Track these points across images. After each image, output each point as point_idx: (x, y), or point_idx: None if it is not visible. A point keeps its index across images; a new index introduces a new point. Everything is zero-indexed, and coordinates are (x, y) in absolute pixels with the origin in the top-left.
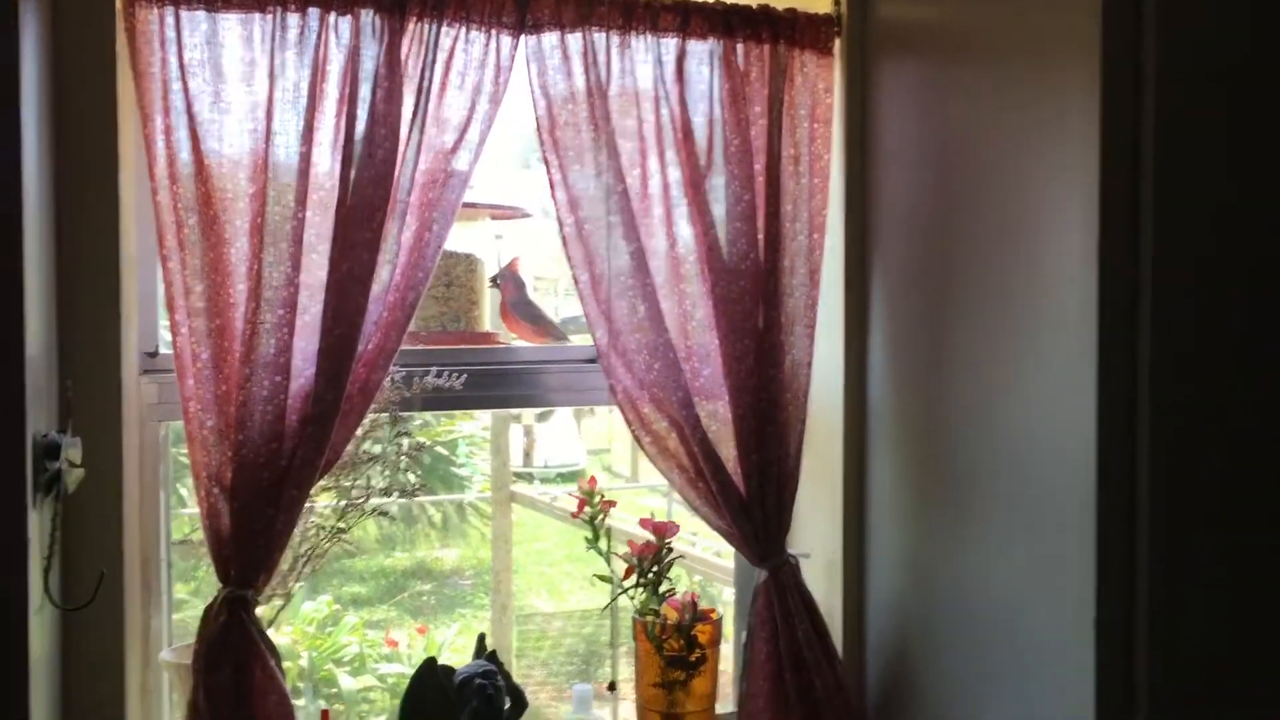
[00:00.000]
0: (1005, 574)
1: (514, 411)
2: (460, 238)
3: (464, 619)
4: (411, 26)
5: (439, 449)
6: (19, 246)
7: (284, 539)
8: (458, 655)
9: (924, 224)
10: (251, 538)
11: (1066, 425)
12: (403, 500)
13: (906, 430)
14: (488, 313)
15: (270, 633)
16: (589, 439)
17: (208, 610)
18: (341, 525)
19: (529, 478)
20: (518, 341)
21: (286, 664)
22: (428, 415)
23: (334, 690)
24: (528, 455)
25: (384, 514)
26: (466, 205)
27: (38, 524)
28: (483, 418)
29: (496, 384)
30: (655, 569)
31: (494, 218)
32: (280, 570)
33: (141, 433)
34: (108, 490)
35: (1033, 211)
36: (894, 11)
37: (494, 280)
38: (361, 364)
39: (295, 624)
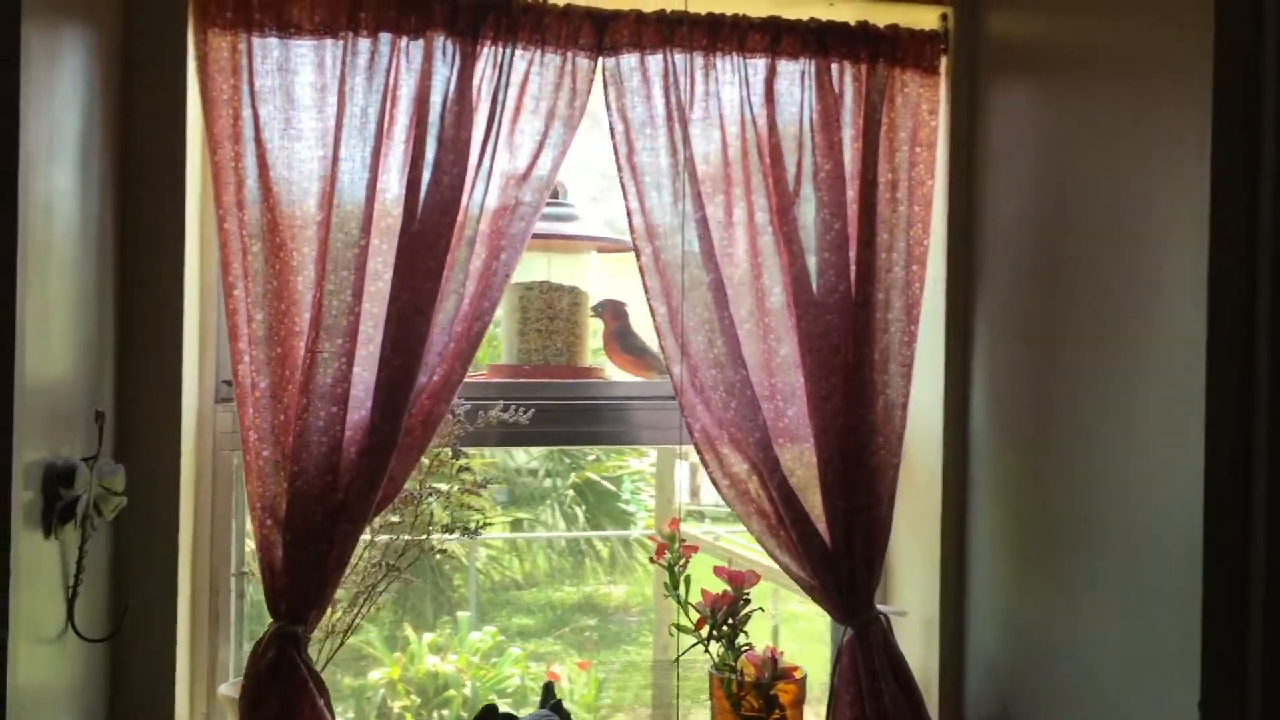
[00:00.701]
0: (1109, 641)
1: (679, 448)
2: (567, 271)
3: (628, 655)
4: (485, 50)
5: (606, 484)
6: (13, 274)
7: (337, 575)
8: (616, 693)
9: (1032, 256)
10: (303, 572)
11: (1175, 480)
12: (465, 538)
13: (1010, 479)
14: (590, 347)
15: (435, 661)
16: None
17: (257, 645)
18: (397, 565)
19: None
20: (624, 376)
21: (450, 692)
22: (599, 450)
23: None
24: (694, 494)
25: (442, 551)
26: (572, 238)
27: (57, 553)
28: (651, 454)
29: (576, 420)
30: (730, 621)
31: (601, 250)
32: (340, 605)
33: (215, 460)
34: (164, 519)
35: (1145, 244)
36: (1006, 27)
37: (595, 310)
38: (425, 395)
39: (461, 653)
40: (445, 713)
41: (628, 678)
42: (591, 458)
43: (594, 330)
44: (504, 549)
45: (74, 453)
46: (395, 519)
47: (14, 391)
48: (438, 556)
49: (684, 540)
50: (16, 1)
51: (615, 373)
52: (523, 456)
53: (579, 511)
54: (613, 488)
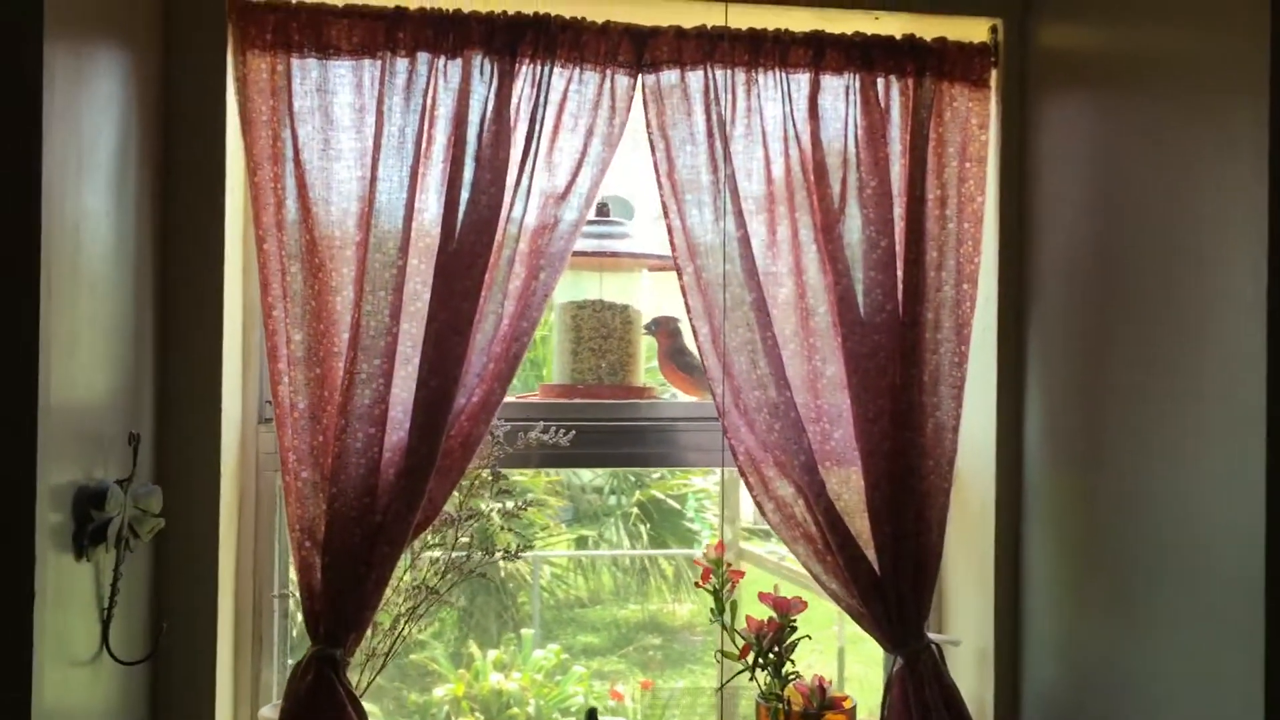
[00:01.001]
0: (1170, 669)
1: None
2: (618, 289)
3: (692, 675)
4: (523, 69)
5: (670, 502)
6: (35, 294)
7: (376, 597)
8: (680, 714)
9: (1088, 274)
10: (342, 594)
11: (1236, 501)
12: (506, 559)
13: (1066, 503)
14: (643, 366)
15: (499, 678)
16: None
17: (296, 668)
18: (437, 588)
19: (764, 534)
20: (680, 394)
21: (514, 710)
22: (663, 470)
23: None
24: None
25: (482, 575)
26: (623, 256)
27: (91, 575)
28: (715, 472)
29: (621, 442)
30: (777, 649)
31: (652, 269)
32: (381, 628)
33: (258, 481)
34: (203, 541)
35: (1202, 259)
36: (1057, 39)
37: (649, 328)
38: (464, 417)
39: (525, 671)
40: None
41: (694, 699)
42: (656, 475)
43: (647, 348)
44: (568, 566)
45: (108, 474)
46: (435, 540)
47: (37, 413)
48: (485, 578)
49: (730, 565)
50: (39, 23)
51: (668, 390)
52: (587, 474)
53: (643, 529)
54: (677, 505)
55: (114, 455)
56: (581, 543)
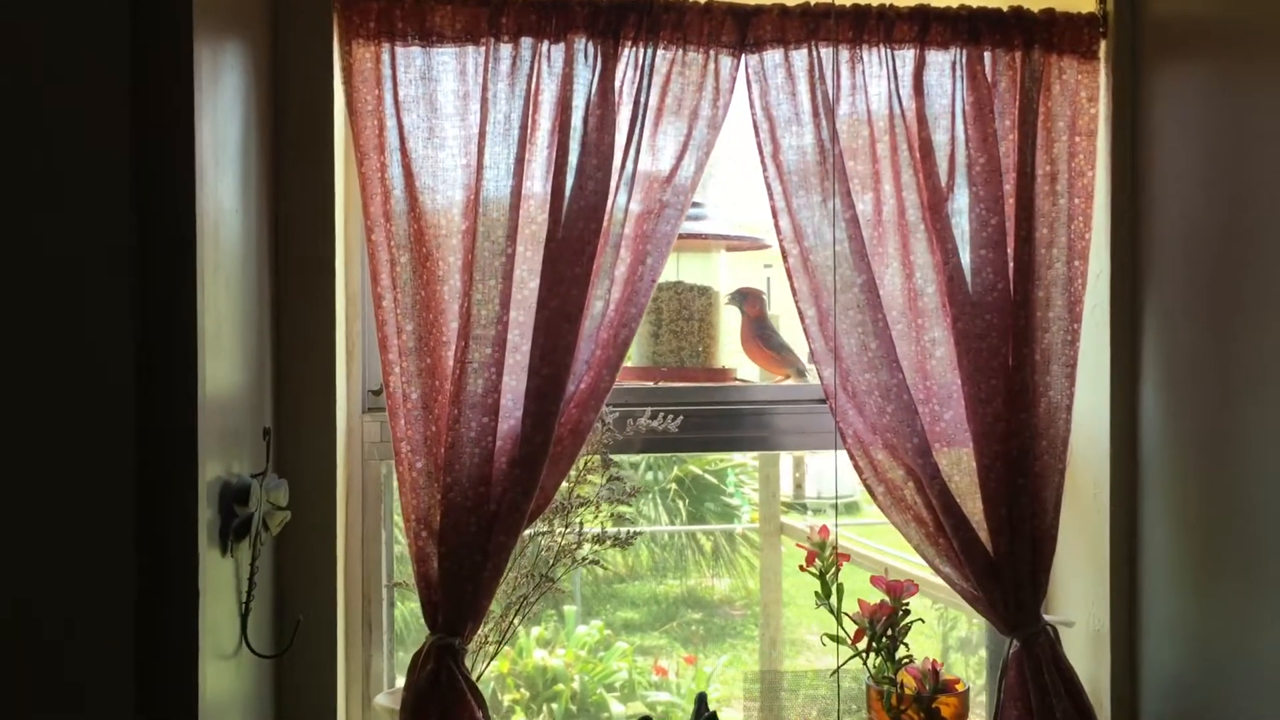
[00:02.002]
0: None
1: None
2: (696, 269)
3: (733, 650)
4: (626, 51)
5: (708, 478)
6: (193, 293)
7: (492, 586)
8: (724, 687)
9: (1208, 249)
10: (459, 584)
11: None
12: (616, 546)
13: (1187, 484)
14: (724, 348)
15: (543, 655)
16: None
17: (415, 657)
18: (552, 575)
19: (801, 508)
20: (756, 377)
21: (559, 686)
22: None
23: (605, 716)
24: (799, 486)
25: (595, 563)
26: (699, 236)
27: (232, 570)
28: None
29: (720, 425)
30: (890, 633)
31: (729, 249)
32: (493, 615)
33: (364, 471)
34: (322, 532)
35: None
36: (1170, 8)
37: (733, 298)
38: (573, 404)
39: (569, 647)
40: (554, 706)
41: (736, 674)
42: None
43: (727, 328)
44: (592, 540)
45: (243, 469)
46: (544, 528)
47: (198, 410)
48: (588, 567)
49: (836, 548)
50: (189, 18)
51: (746, 372)
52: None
53: (682, 505)
54: (715, 481)
55: (247, 449)
56: (619, 520)
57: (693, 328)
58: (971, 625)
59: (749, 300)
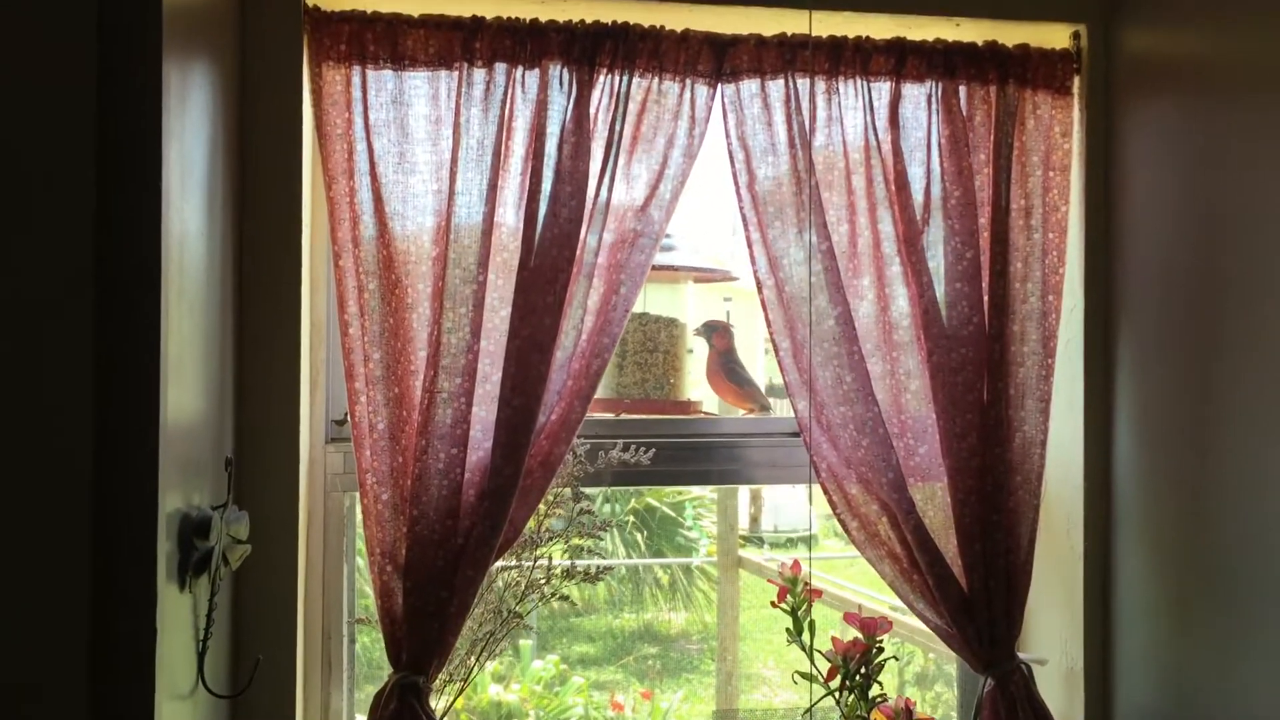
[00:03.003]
0: (1277, 694)
1: None
2: (663, 301)
3: (689, 684)
4: (601, 78)
5: (666, 510)
6: (157, 318)
7: (459, 622)
8: None
9: (1182, 285)
10: (425, 620)
11: None
12: (586, 581)
13: (1161, 519)
14: (689, 380)
15: (498, 690)
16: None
17: (378, 696)
18: (519, 610)
19: (758, 542)
20: (723, 410)
21: None
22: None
23: None
24: (755, 520)
25: (564, 598)
26: (668, 268)
27: (190, 606)
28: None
29: (691, 458)
30: (864, 671)
31: (697, 281)
32: (458, 653)
33: (326, 503)
34: (282, 567)
35: None
36: (1143, 44)
37: (701, 330)
38: (544, 436)
39: (523, 682)
40: None
41: (693, 709)
42: None
43: (692, 359)
44: (560, 575)
45: (203, 501)
46: (513, 563)
47: (159, 440)
48: (556, 604)
49: (808, 584)
50: (158, 38)
51: (711, 405)
52: None
53: (639, 538)
54: (673, 514)
55: (207, 480)
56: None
57: (657, 359)
58: (928, 660)
59: (717, 333)
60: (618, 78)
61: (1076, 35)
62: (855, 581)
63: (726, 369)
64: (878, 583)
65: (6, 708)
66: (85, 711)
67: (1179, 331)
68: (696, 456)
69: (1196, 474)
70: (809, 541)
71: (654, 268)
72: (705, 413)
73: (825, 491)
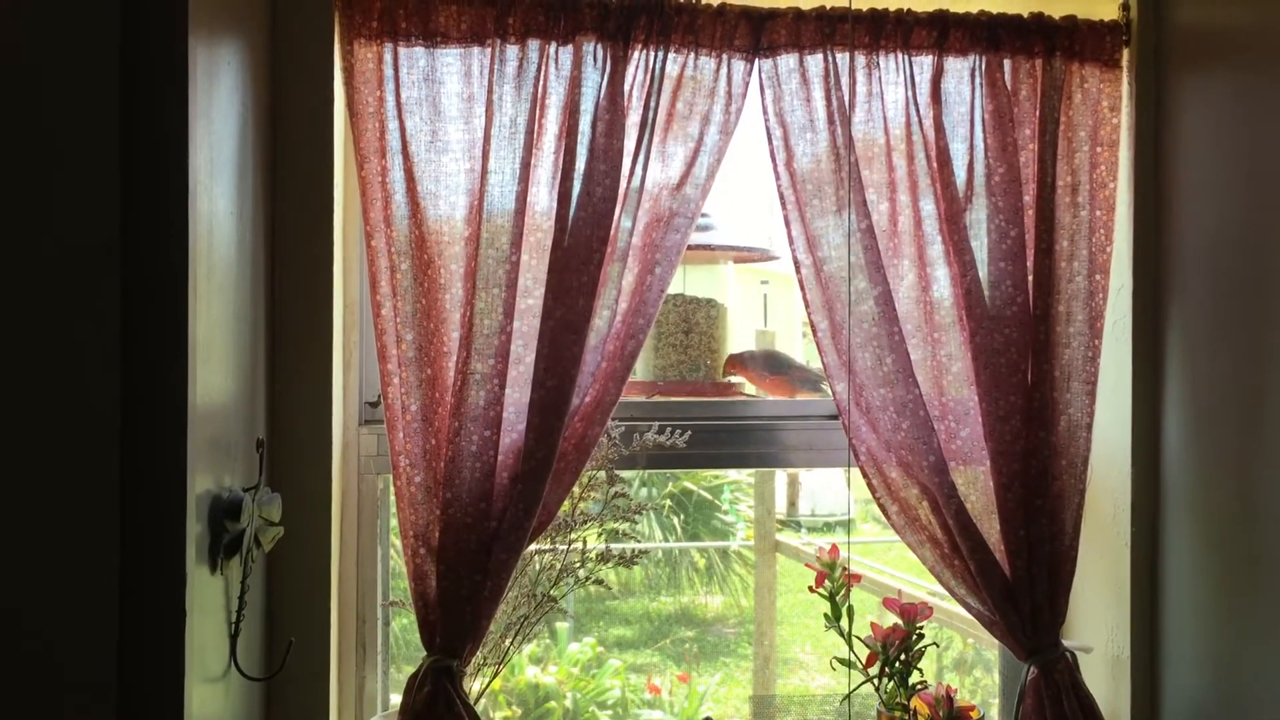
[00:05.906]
0: None
1: None
2: (703, 282)
3: (726, 668)
4: (636, 54)
5: (703, 494)
6: (184, 297)
7: (492, 606)
8: (718, 705)
9: (1233, 263)
10: (458, 603)
11: None
12: (621, 565)
13: (1210, 504)
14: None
15: (535, 672)
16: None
17: (411, 679)
18: (554, 594)
19: (795, 526)
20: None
21: (551, 704)
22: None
23: None
24: (792, 504)
25: (599, 582)
26: (705, 248)
27: (222, 588)
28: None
29: (728, 441)
30: (903, 657)
31: (737, 261)
32: (492, 636)
33: (360, 485)
34: (316, 549)
35: None
36: (1194, 15)
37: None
38: (578, 418)
39: (561, 664)
40: None
41: (729, 692)
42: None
43: (734, 341)
44: (595, 559)
45: (234, 483)
46: (547, 547)
47: (188, 421)
48: (592, 587)
49: (847, 569)
50: (184, 18)
51: (750, 387)
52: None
53: (676, 522)
54: (710, 497)
55: (239, 462)
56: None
57: (694, 341)
58: (966, 645)
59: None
60: (653, 53)
61: (1125, 6)
62: (893, 566)
63: (769, 365)
64: (915, 568)
65: (37, 690)
66: (116, 693)
67: (1230, 312)
68: (733, 439)
69: (1248, 459)
70: (847, 526)
71: (691, 247)
72: (744, 395)
73: (865, 475)
